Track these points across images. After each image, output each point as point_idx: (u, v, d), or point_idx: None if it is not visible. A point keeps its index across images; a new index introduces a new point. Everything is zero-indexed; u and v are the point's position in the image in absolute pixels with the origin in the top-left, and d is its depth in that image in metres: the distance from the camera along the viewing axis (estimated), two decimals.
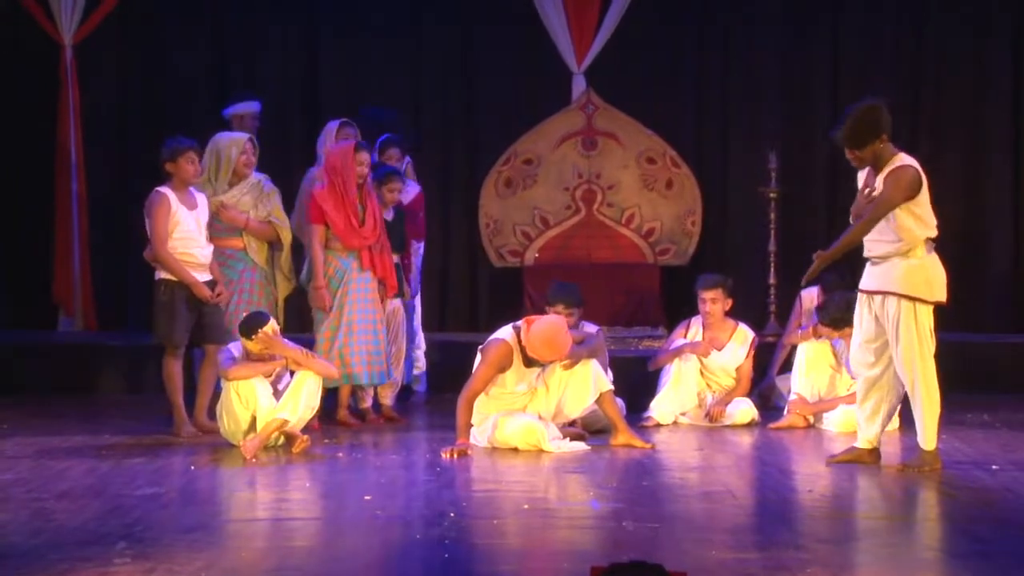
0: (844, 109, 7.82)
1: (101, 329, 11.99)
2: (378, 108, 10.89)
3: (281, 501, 7.11)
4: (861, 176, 7.83)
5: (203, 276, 8.87)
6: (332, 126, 9.81)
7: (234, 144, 9.25)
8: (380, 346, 9.34)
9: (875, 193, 7.61)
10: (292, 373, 8.50)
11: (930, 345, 7.68)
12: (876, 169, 7.67)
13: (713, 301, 9.54)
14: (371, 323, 9.31)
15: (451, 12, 12.34)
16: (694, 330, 9.67)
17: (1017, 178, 12.20)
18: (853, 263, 11.85)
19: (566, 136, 12.00)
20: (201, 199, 8.96)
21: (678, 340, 9.65)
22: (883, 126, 7.63)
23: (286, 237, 9.36)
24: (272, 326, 8.44)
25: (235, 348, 8.47)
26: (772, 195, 11.41)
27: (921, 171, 7.65)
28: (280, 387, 8.44)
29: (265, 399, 8.31)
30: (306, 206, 9.44)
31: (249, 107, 10.64)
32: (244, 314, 8.64)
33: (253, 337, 8.36)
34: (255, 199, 9.27)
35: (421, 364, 10.41)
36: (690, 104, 12.39)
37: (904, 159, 7.64)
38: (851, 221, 7.81)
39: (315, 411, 8.55)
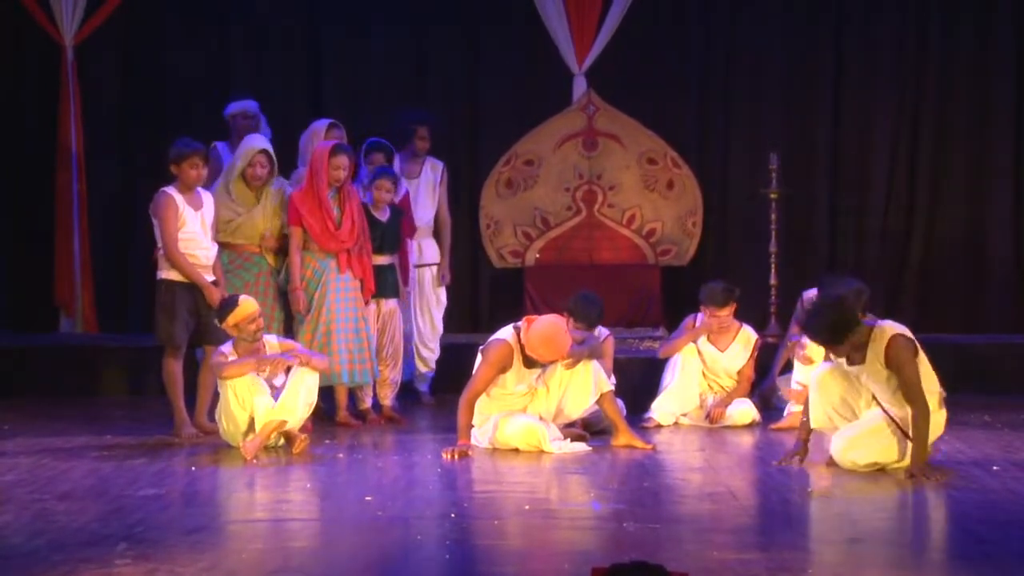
0: (811, 303, 7.73)
1: (102, 331, 11.98)
2: (408, 109, 10.85)
3: (282, 502, 7.11)
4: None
5: (207, 277, 8.87)
6: (319, 125, 9.73)
7: (243, 155, 9.27)
8: (363, 344, 9.29)
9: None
10: (288, 370, 8.49)
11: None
12: (856, 350, 7.57)
13: (727, 316, 9.50)
14: (352, 322, 9.27)
15: (452, 13, 12.33)
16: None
17: (1019, 178, 12.18)
18: (851, 264, 11.92)
19: (567, 137, 12.00)
20: (207, 198, 8.96)
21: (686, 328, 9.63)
22: (855, 317, 7.58)
23: None
24: (247, 309, 8.41)
25: (227, 347, 8.47)
26: (773, 196, 11.41)
27: (907, 330, 7.60)
28: (277, 384, 8.42)
29: (262, 399, 8.30)
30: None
31: (240, 107, 10.54)
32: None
33: (226, 324, 8.38)
34: (275, 207, 9.29)
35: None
36: (691, 105, 12.37)
37: (887, 331, 7.53)
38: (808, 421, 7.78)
39: (312, 408, 8.54)
